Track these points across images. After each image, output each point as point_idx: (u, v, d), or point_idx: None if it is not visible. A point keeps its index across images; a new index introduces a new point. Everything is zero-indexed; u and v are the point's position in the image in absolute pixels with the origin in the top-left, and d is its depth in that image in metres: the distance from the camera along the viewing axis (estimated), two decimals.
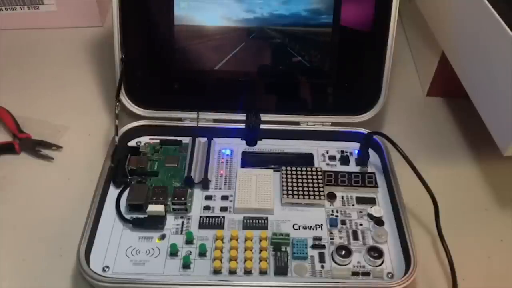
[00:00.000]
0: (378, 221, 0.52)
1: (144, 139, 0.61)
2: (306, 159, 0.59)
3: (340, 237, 0.51)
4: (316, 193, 0.54)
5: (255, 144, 0.61)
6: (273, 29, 0.58)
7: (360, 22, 0.58)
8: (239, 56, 0.59)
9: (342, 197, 0.55)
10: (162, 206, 0.52)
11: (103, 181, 0.54)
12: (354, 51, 0.60)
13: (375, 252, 0.49)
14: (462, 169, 0.61)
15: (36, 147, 0.61)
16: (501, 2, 0.49)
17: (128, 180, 0.55)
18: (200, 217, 0.52)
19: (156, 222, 0.51)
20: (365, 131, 0.60)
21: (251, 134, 0.61)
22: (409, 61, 0.77)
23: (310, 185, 0.55)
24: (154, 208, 0.52)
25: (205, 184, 0.55)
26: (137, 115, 0.60)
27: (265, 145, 0.61)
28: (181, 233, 0.51)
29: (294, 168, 0.56)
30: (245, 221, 0.52)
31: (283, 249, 0.50)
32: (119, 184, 0.55)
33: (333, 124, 0.61)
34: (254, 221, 0.52)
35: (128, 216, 0.52)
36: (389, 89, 0.59)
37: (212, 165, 0.57)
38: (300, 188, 0.54)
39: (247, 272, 0.48)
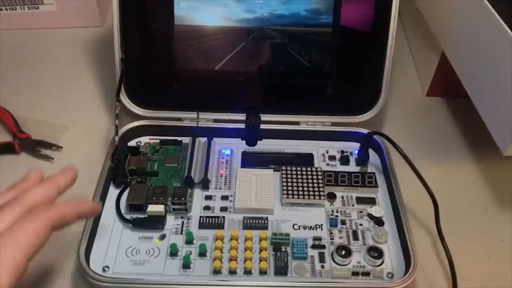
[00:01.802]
0: (378, 221, 0.52)
1: (144, 139, 0.61)
2: (306, 159, 0.59)
3: (340, 237, 0.51)
4: (316, 193, 0.54)
5: (255, 144, 0.61)
6: (273, 29, 0.58)
7: (360, 22, 0.58)
8: (239, 56, 0.59)
9: (342, 197, 0.55)
10: (162, 206, 0.52)
11: (103, 181, 0.54)
12: (354, 51, 0.60)
13: (375, 252, 0.49)
14: (462, 169, 0.61)
15: (36, 147, 0.61)
16: (501, 2, 0.49)
17: (128, 180, 0.55)
18: (200, 217, 0.52)
19: (156, 222, 0.51)
20: (365, 131, 0.60)
21: (251, 134, 0.61)
22: (409, 61, 0.77)
23: (310, 185, 0.55)
24: (154, 208, 0.52)
25: (205, 184, 0.55)
26: (137, 115, 0.60)
27: (265, 145, 0.61)
28: (181, 233, 0.51)
29: (294, 168, 0.56)
30: (245, 221, 0.52)
31: (283, 249, 0.50)
32: (119, 184, 0.55)
33: (333, 124, 0.61)
34: (254, 221, 0.52)
35: (128, 216, 0.52)
36: (389, 89, 0.59)
37: (212, 165, 0.57)
38: (300, 188, 0.54)
39: (247, 272, 0.48)
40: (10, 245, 0.34)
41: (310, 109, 0.61)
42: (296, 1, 0.57)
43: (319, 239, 0.51)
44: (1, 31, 0.79)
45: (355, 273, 0.48)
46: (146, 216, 0.52)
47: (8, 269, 0.33)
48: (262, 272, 0.48)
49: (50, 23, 0.80)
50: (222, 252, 0.49)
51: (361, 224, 0.52)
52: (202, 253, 0.49)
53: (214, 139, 0.60)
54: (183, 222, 0.52)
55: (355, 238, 0.51)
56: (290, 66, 0.60)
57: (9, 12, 0.79)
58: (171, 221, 0.52)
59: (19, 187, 0.40)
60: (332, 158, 0.60)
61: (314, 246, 0.50)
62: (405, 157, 0.52)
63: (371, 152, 0.60)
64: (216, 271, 0.48)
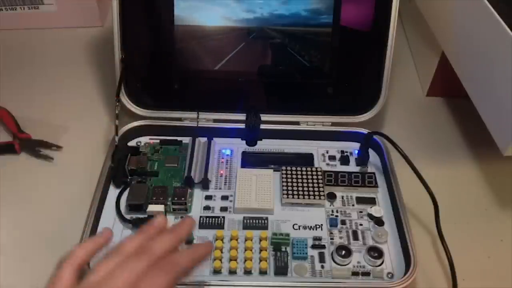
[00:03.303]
0: (378, 221, 0.52)
1: (144, 139, 0.61)
2: (306, 159, 0.59)
3: (340, 237, 0.51)
4: (316, 193, 0.54)
5: (255, 144, 0.61)
6: (273, 29, 0.58)
7: (360, 22, 0.58)
8: (239, 56, 0.59)
9: (342, 197, 0.55)
10: (162, 206, 0.52)
11: (103, 181, 0.54)
12: (354, 51, 0.60)
13: (375, 252, 0.49)
14: (462, 169, 0.61)
15: (36, 147, 0.61)
16: (501, 2, 0.49)
17: (128, 180, 0.55)
18: (200, 217, 0.52)
19: None
20: (365, 131, 0.60)
21: (251, 134, 0.61)
22: (409, 61, 0.77)
23: (310, 185, 0.55)
24: (154, 208, 0.52)
25: (205, 184, 0.55)
26: (137, 115, 0.60)
27: (265, 145, 0.61)
28: None
29: (294, 168, 0.56)
30: (245, 221, 0.52)
31: (283, 249, 0.50)
32: (119, 184, 0.55)
33: (333, 124, 0.61)
34: (254, 221, 0.52)
35: (128, 216, 0.52)
36: (389, 89, 0.59)
37: (212, 165, 0.57)
38: (300, 188, 0.54)
39: (247, 272, 0.48)
40: None
41: (310, 109, 0.61)
42: (296, 1, 0.57)
43: (319, 239, 0.51)
44: (1, 31, 0.79)
45: (355, 273, 0.48)
46: (146, 216, 0.52)
47: None
48: (262, 272, 0.48)
49: (50, 23, 0.80)
50: (222, 252, 0.49)
51: (361, 224, 0.52)
52: None
53: (214, 139, 0.60)
54: None
55: (355, 238, 0.51)
56: (290, 66, 0.60)
57: (9, 12, 0.79)
58: (171, 221, 0.52)
59: (146, 234, 0.41)
60: (332, 158, 0.60)
61: (314, 246, 0.50)
62: (405, 157, 0.52)
63: (371, 152, 0.60)
64: (216, 271, 0.48)
